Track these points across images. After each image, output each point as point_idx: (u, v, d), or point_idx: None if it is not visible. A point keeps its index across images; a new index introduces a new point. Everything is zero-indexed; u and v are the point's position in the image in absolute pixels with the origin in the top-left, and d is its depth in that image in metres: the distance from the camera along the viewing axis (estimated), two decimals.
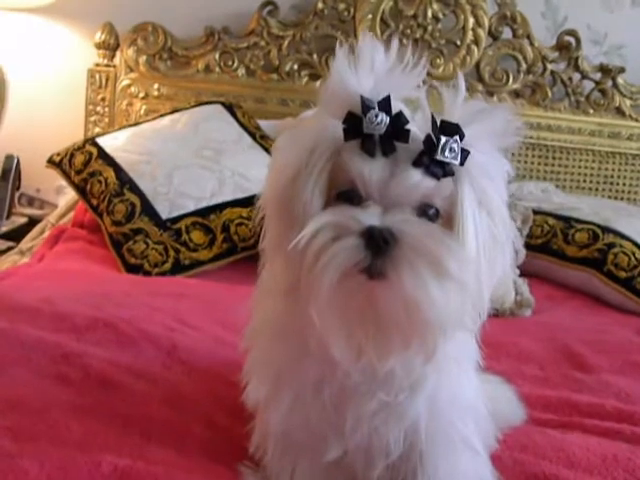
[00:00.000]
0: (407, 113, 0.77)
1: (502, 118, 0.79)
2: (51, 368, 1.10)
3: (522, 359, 1.46)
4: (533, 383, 1.33)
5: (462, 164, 0.76)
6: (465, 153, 0.76)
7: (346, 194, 0.77)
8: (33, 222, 2.37)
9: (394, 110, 0.76)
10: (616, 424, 1.17)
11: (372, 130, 0.75)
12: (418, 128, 0.77)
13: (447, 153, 0.75)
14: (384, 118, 0.75)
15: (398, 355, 0.78)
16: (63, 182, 2.32)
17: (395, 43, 0.80)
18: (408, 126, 0.76)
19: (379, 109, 0.75)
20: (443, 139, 0.75)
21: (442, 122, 0.75)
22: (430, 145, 0.75)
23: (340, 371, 0.81)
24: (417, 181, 0.75)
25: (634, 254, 1.94)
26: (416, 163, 0.75)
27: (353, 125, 0.76)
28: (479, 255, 0.77)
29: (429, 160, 0.75)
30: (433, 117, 0.76)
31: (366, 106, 0.75)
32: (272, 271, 0.82)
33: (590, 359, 1.48)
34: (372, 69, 0.78)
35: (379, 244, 0.72)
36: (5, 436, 0.89)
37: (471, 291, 0.76)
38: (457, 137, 0.75)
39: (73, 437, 0.93)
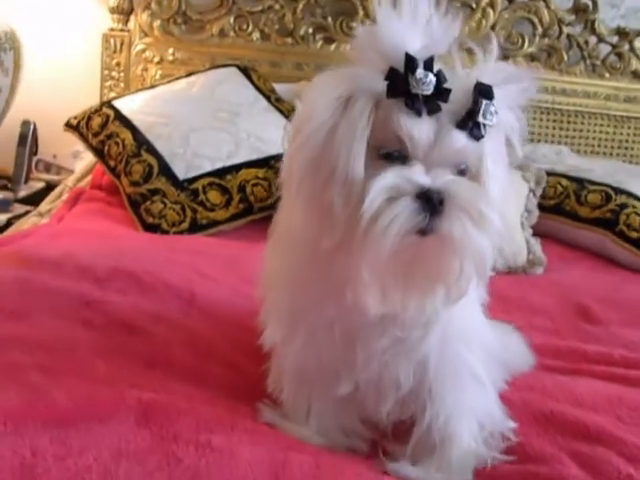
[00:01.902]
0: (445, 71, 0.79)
1: (527, 82, 0.83)
2: (75, 314, 1.15)
3: (533, 312, 1.50)
4: (543, 333, 1.37)
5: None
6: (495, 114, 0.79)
7: (389, 154, 0.79)
8: (50, 187, 2.42)
9: (435, 68, 0.77)
10: (623, 370, 1.22)
11: (419, 90, 0.77)
12: (455, 86, 0.79)
13: (488, 117, 0.78)
14: (431, 78, 0.77)
15: (419, 301, 0.82)
16: (80, 147, 2.38)
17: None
18: (448, 85, 0.78)
19: (424, 68, 0.77)
20: (484, 103, 0.78)
21: (482, 85, 0.78)
22: (475, 108, 0.78)
23: (356, 313, 0.85)
24: (462, 144, 0.79)
25: None
26: (460, 126, 0.79)
27: (397, 82, 0.77)
28: (499, 205, 0.82)
29: (472, 124, 0.78)
30: (478, 82, 0.78)
31: (412, 65, 0.77)
32: (296, 223, 0.85)
33: (600, 313, 1.52)
34: (415, 23, 0.79)
35: (435, 206, 0.76)
36: (34, 371, 0.95)
37: (501, 237, 0.81)
38: (493, 100, 0.78)
39: (98, 374, 0.98)
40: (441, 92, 0.78)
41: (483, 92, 0.78)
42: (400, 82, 0.78)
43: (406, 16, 0.79)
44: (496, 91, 0.79)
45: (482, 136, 0.79)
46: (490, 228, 0.78)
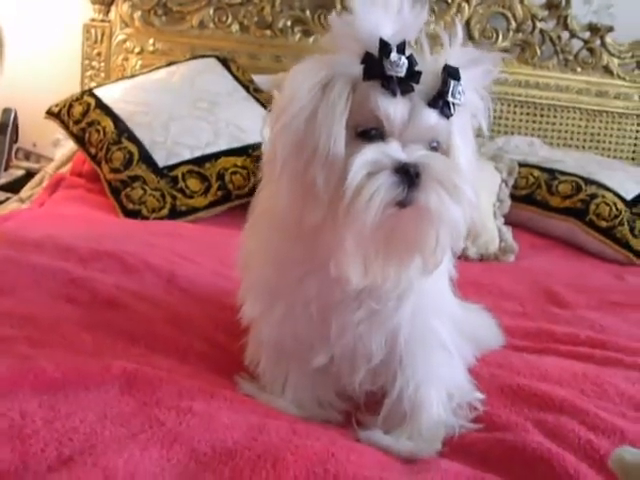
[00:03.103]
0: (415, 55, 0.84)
1: (490, 64, 0.89)
2: (60, 290, 1.18)
3: (504, 297, 1.55)
4: (513, 316, 1.42)
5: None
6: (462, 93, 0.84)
7: (366, 133, 0.84)
8: (30, 175, 2.43)
9: (407, 52, 0.83)
10: (588, 349, 1.27)
11: (393, 72, 0.82)
12: (426, 68, 0.84)
13: (456, 95, 0.84)
14: (404, 61, 0.82)
15: (397, 272, 0.87)
16: (60, 135, 2.39)
17: None
18: (419, 68, 0.83)
19: (397, 52, 0.82)
20: (453, 83, 0.83)
21: (449, 67, 0.83)
22: (444, 88, 0.83)
23: (335, 287, 0.89)
24: (434, 121, 0.84)
25: (615, 204, 2.03)
26: (431, 104, 0.84)
27: (372, 66, 0.82)
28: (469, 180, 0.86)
29: (442, 102, 0.84)
30: (446, 64, 0.84)
31: (386, 49, 0.82)
32: (280, 202, 0.88)
33: (569, 297, 1.58)
34: (387, 12, 0.84)
35: (412, 178, 0.81)
36: (23, 343, 0.98)
37: (473, 207, 0.86)
38: (460, 81, 0.84)
39: (84, 346, 1.01)
40: (413, 74, 0.83)
41: (451, 74, 0.83)
42: (375, 65, 0.83)
43: (379, 5, 0.84)
44: (462, 73, 0.84)
45: (451, 114, 0.84)
46: (463, 198, 0.84)
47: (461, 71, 0.85)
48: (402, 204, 0.82)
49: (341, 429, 0.96)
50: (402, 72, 0.82)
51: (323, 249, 0.86)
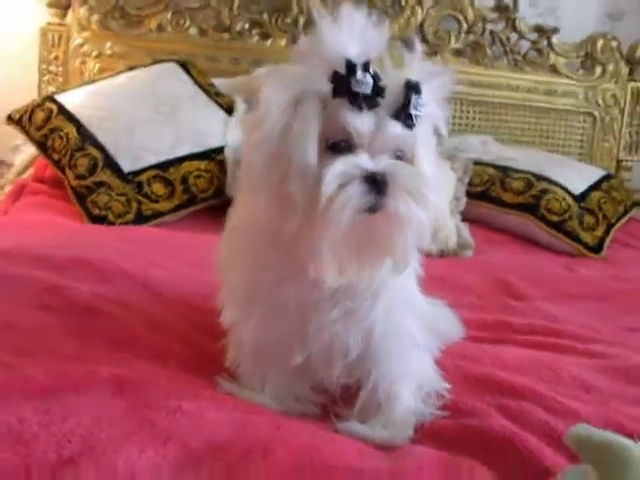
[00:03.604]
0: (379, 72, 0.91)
1: (448, 76, 0.96)
2: (37, 299, 1.22)
3: (462, 291, 1.64)
4: (471, 309, 1.51)
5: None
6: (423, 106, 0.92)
7: (337, 146, 0.91)
8: None
9: (371, 70, 0.90)
10: (544, 338, 1.36)
11: (360, 89, 0.89)
12: (389, 84, 0.91)
13: (417, 109, 0.91)
14: (369, 78, 0.89)
15: (371, 271, 0.95)
16: (19, 141, 2.41)
17: (364, 7, 0.92)
18: (383, 84, 0.90)
19: (362, 70, 0.89)
20: (414, 96, 0.91)
21: (411, 82, 0.90)
22: (405, 101, 0.90)
23: (313, 289, 0.96)
24: (398, 132, 0.91)
25: (564, 199, 2.15)
26: (395, 117, 0.91)
27: (340, 84, 0.89)
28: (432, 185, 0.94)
29: (405, 115, 0.91)
30: (406, 79, 0.91)
31: (352, 68, 0.89)
32: (257, 212, 0.95)
33: (523, 289, 1.68)
34: (352, 32, 0.90)
35: (380, 186, 0.88)
36: (5, 351, 1.02)
37: (437, 212, 0.95)
38: (421, 94, 0.91)
39: (68, 353, 1.06)
40: (378, 90, 0.90)
41: (412, 88, 0.91)
42: (343, 84, 0.90)
43: (344, 26, 0.91)
44: (422, 86, 0.92)
45: (414, 125, 0.92)
46: (428, 203, 0.91)
47: (421, 85, 0.92)
48: (372, 210, 0.89)
49: (319, 422, 1.02)
50: (368, 89, 0.89)
51: (300, 254, 0.92)
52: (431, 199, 0.93)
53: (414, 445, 0.97)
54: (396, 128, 0.91)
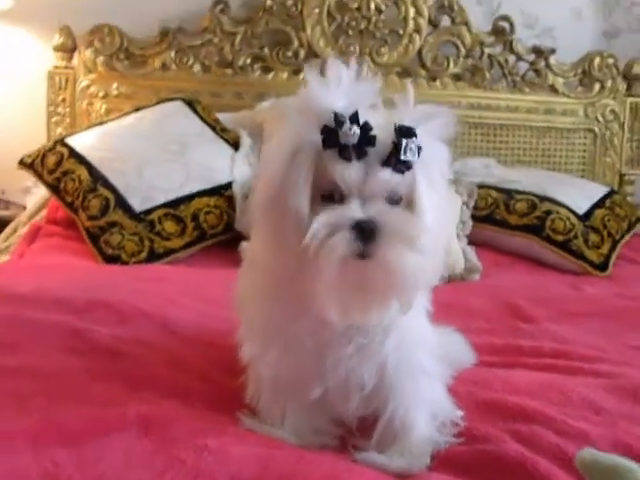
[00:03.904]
0: (372, 119, 0.96)
1: (444, 117, 1.00)
2: (62, 343, 1.28)
3: (471, 316, 1.69)
4: (481, 334, 1.56)
5: (417, 157, 0.96)
6: (419, 149, 0.96)
7: (328, 194, 0.96)
8: (1, 223, 2.51)
9: (361, 120, 0.95)
10: (552, 360, 1.41)
11: (347, 141, 0.94)
12: (380, 131, 0.96)
13: (408, 153, 0.95)
14: (356, 130, 0.94)
15: (383, 310, 1.00)
16: (30, 183, 2.48)
17: (354, 61, 0.98)
18: (373, 132, 0.95)
19: (350, 122, 0.94)
20: (404, 142, 0.95)
21: (401, 127, 0.95)
22: (394, 148, 0.95)
23: (325, 326, 1.01)
24: (388, 178, 0.96)
25: (569, 219, 2.20)
26: (384, 163, 0.96)
27: (329, 136, 0.95)
28: (434, 227, 0.98)
29: (395, 160, 0.95)
30: (396, 125, 0.95)
31: (339, 121, 0.94)
32: (263, 253, 1.02)
33: (531, 311, 1.73)
34: (339, 88, 0.96)
35: (366, 234, 0.93)
36: (38, 397, 1.08)
37: (432, 254, 0.98)
38: (414, 138, 0.95)
39: (95, 396, 1.11)
40: (368, 139, 0.95)
41: (403, 132, 0.95)
42: (332, 136, 0.95)
43: (332, 81, 0.97)
44: (419, 130, 0.96)
45: (405, 170, 0.96)
46: (422, 250, 0.95)
47: (417, 128, 0.96)
48: (362, 256, 0.94)
49: (338, 453, 1.07)
50: (354, 140, 0.94)
51: (303, 294, 0.98)
52: (428, 246, 0.96)
53: (431, 472, 1.02)
54: (385, 174, 0.95)
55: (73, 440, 0.96)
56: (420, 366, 1.08)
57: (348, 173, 0.95)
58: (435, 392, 1.12)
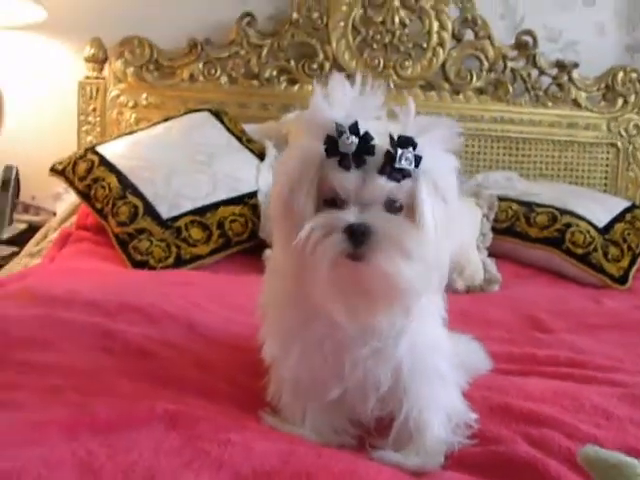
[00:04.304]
0: (373, 130, 1.02)
1: (445, 127, 1.06)
2: (94, 342, 1.35)
3: (491, 325, 1.74)
4: (499, 343, 1.61)
5: (417, 166, 1.02)
6: (418, 158, 1.02)
7: (331, 200, 1.03)
8: (32, 228, 2.61)
9: (362, 130, 1.01)
10: (568, 369, 1.45)
11: (346, 149, 1.01)
12: (382, 142, 1.02)
13: (403, 162, 1.01)
14: (354, 140, 1.01)
15: (384, 314, 1.05)
16: (61, 189, 2.58)
17: (359, 75, 1.05)
18: (373, 142, 1.02)
19: (350, 132, 1.01)
20: (400, 151, 1.01)
21: (399, 137, 1.02)
22: (390, 157, 1.01)
23: (339, 328, 1.08)
24: (382, 185, 1.02)
25: (589, 232, 2.25)
26: (381, 171, 1.02)
27: (331, 145, 1.02)
28: (437, 234, 1.03)
29: (390, 168, 1.01)
30: (391, 135, 1.02)
31: (339, 131, 1.01)
32: (280, 258, 1.09)
33: (550, 323, 1.78)
34: (342, 100, 1.03)
35: (357, 236, 0.99)
36: (71, 392, 1.14)
37: (430, 262, 1.03)
38: (411, 148, 1.01)
39: (125, 392, 1.18)
40: (367, 149, 1.02)
41: (399, 142, 1.01)
42: (333, 145, 1.02)
43: (335, 94, 1.04)
44: (420, 140, 1.02)
45: (401, 178, 1.01)
46: (420, 258, 1.00)
47: (417, 138, 1.02)
48: (355, 258, 1.00)
49: (356, 452, 1.13)
50: (352, 149, 1.01)
51: (313, 298, 1.04)
52: (425, 255, 1.01)
53: (444, 471, 1.07)
54: (380, 181, 1.01)
55: (104, 431, 1.03)
56: (435, 370, 1.14)
57: (346, 180, 1.01)
58: (450, 395, 1.17)
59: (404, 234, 1.01)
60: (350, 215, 1.01)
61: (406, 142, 1.02)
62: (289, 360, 1.14)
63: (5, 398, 1.12)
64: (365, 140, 1.01)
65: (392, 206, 1.03)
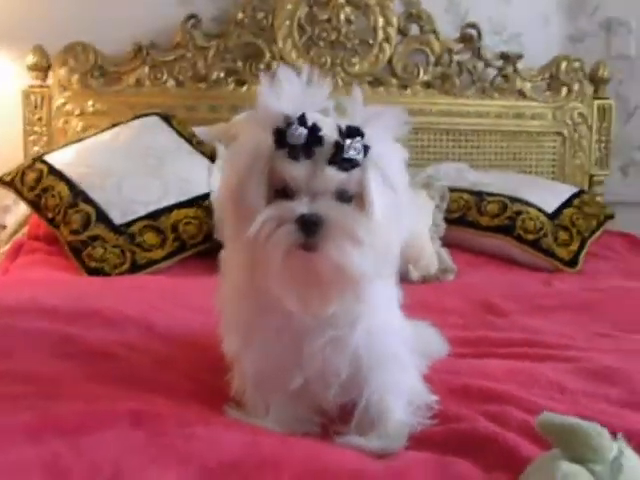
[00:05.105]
0: (321, 121, 1.05)
1: (392, 117, 1.10)
2: (54, 349, 1.36)
3: (446, 312, 1.79)
4: (455, 328, 1.66)
5: (365, 156, 1.06)
6: (367, 148, 1.06)
7: (282, 191, 1.06)
8: None
9: (310, 122, 1.05)
10: (522, 349, 1.51)
11: (294, 141, 1.04)
12: (328, 132, 1.06)
13: (352, 152, 1.05)
14: (302, 131, 1.04)
15: (336, 302, 1.09)
16: (9, 201, 2.56)
17: (306, 68, 1.08)
18: (321, 133, 1.05)
19: (298, 124, 1.04)
20: (348, 141, 1.04)
21: (347, 127, 1.05)
22: (339, 147, 1.05)
23: (295, 319, 1.11)
24: (332, 175, 1.05)
25: (538, 218, 2.33)
26: (330, 162, 1.05)
27: (279, 137, 1.05)
28: (386, 222, 1.07)
29: (340, 159, 1.05)
30: (338, 126, 1.05)
31: (288, 123, 1.04)
32: (231, 251, 1.12)
33: (503, 307, 1.84)
34: (290, 92, 1.06)
35: (309, 227, 1.03)
36: (35, 397, 1.15)
37: (381, 249, 1.07)
38: (359, 138, 1.05)
39: (88, 395, 1.19)
40: (315, 139, 1.05)
41: (348, 132, 1.05)
42: (282, 137, 1.05)
43: (283, 86, 1.07)
44: (367, 130, 1.06)
45: (350, 168, 1.05)
46: (369, 245, 1.04)
47: (365, 128, 1.06)
48: (307, 248, 1.03)
49: (319, 440, 1.17)
50: (301, 140, 1.04)
51: (266, 289, 1.08)
52: (375, 242, 1.05)
53: (407, 451, 1.11)
54: (330, 172, 1.05)
55: (69, 433, 1.04)
56: (393, 354, 1.18)
57: (296, 171, 1.04)
58: (409, 378, 1.21)
59: (355, 223, 1.05)
60: (301, 206, 1.04)
61: (354, 132, 1.05)
62: (250, 352, 1.17)
63: None
64: (313, 131, 1.05)
65: (343, 196, 1.07)
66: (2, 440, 1.01)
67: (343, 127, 1.05)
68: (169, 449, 1.02)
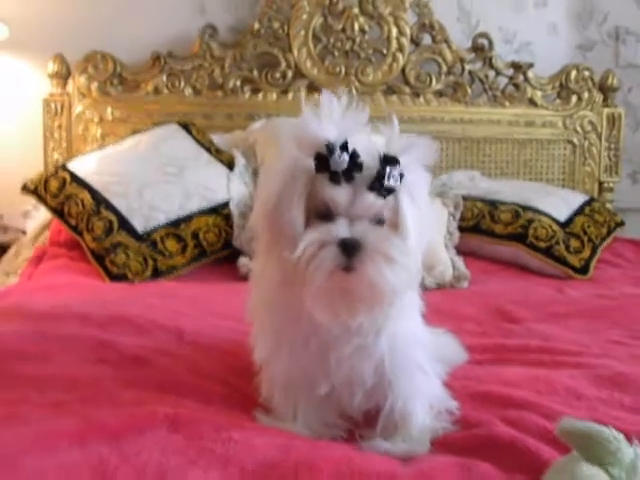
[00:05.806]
0: (360, 146, 1.11)
1: (425, 147, 1.16)
2: (90, 353, 1.43)
3: (462, 319, 1.86)
4: (472, 335, 1.72)
5: (400, 182, 1.12)
6: (402, 175, 1.12)
7: (322, 213, 1.12)
8: (1, 246, 2.66)
9: (350, 148, 1.11)
10: (539, 356, 1.57)
11: (337, 167, 1.10)
12: (367, 158, 1.12)
13: (391, 180, 1.11)
14: (345, 157, 1.10)
15: (364, 315, 1.16)
16: (30, 206, 2.63)
17: (344, 94, 1.14)
18: (361, 159, 1.11)
19: (340, 150, 1.10)
20: (388, 169, 1.11)
21: (386, 155, 1.11)
22: (380, 175, 1.11)
23: (323, 328, 1.18)
24: (372, 201, 1.11)
25: (550, 226, 2.39)
26: (370, 188, 1.11)
27: (321, 162, 1.11)
28: (417, 242, 1.14)
29: (379, 185, 1.11)
30: (380, 154, 1.11)
31: (331, 149, 1.10)
32: (265, 265, 1.19)
33: (518, 314, 1.90)
34: (331, 118, 1.12)
35: (350, 250, 1.09)
36: (75, 403, 1.22)
37: (413, 268, 1.14)
38: (397, 166, 1.11)
39: (126, 400, 1.26)
40: (356, 165, 1.11)
41: (387, 161, 1.11)
42: (323, 162, 1.11)
43: (325, 112, 1.13)
44: (402, 158, 1.12)
45: (387, 194, 1.11)
46: (403, 266, 1.11)
47: (401, 156, 1.12)
48: (347, 269, 1.10)
49: (347, 443, 1.23)
50: (344, 166, 1.10)
51: (299, 301, 1.14)
52: (407, 263, 1.12)
53: (431, 455, 1.18)
54: (370, 198, 1.11)
55: (112, 437, 1.10)
56: (415, 362, 1.24)
57: (337, 195, 1.10)
58: (431, 385, 1.27)
59: (391, 246, 1.11)
60: (342, 229, 1.10)
61: (392, 161, 1.11)
62: (279, 360, 1.23)
63: (8, 413, 1.19)
64: (354, 157, 1.11)
65: (376, 218, 1.14)
66: (50, 445, 1.08)
67: (381, 155, 1.11)
68: (208, 452, 1.08)
